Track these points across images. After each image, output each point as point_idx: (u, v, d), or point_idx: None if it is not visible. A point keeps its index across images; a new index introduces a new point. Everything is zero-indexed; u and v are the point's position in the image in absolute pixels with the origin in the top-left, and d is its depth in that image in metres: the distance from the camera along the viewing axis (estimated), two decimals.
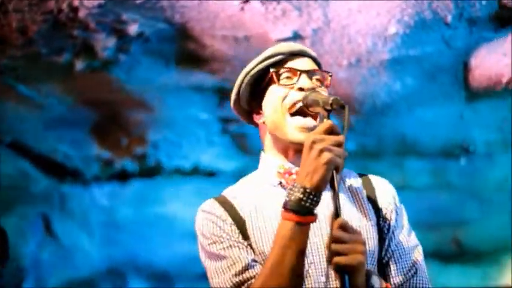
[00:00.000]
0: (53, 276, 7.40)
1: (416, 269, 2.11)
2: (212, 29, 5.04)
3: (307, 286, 1.97)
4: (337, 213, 1.84)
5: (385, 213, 2.17)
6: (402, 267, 2.10)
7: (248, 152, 6.64)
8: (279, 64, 2.17)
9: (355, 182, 2.23)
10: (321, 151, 1.82)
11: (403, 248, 2.13)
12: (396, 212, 2.19)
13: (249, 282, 1.95)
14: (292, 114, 2.10)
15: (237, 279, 1.97)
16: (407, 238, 2.16)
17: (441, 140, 6.44)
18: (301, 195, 1.82)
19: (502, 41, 5.35)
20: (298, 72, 2.14)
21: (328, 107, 1.94)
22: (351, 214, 2.07)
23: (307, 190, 1.82)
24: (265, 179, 2.18)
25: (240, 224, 2.06)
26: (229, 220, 2.06)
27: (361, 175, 2.27)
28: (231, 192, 2.19)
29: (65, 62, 5.35)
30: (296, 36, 5.04)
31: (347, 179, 2.23)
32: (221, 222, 2.06)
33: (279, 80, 2.15)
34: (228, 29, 5.03)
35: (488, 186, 7.30)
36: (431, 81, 5.79)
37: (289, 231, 1.84)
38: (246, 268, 1.98)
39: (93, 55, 5.28)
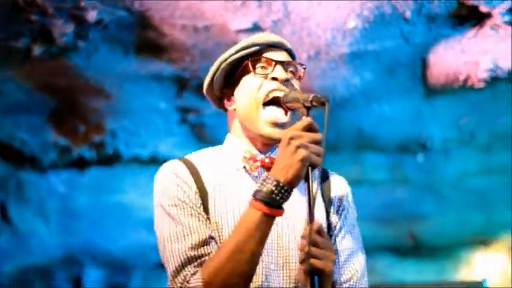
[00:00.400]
0: (8, 263, 7.34)
1: (356, 278, 2.13)
2: (172, 18, 5.02)
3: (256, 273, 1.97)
4: (311, 213, 1.85)
5: (336, 211, 2.19)
6: (341, 273, 2.12)
7: (207, 142, 6.62)
8: (255, 54, 2.17)
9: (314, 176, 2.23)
10: (298, 147, 1.83)
11: (346, 254, 2.14)
12: (346, 213, 2.21)
13: (203, 258, 1.94)
14: (266, 104, 2.11)
15: (192, 253, 1.94)
16: (351, 243, 2.18)
17: (399, 135, 6.47)
18: (274, 188, 1.83)
19: (460, 38, 5.39)
20: (274, 63, 2.15)
21: (308, 104, 1.94)
22: (303, 209, 2.02)
23: (280, 184, 1.83)
24: (230, 161, 2.18)
25: (203, 195, 2.05)
26: (195, 188, 2.04)
27: (320, 170, 2.23)
28: (196, 159, 2.15)
29: (22, 47, 5.30)
30: (255, 28, 5.04)
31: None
32: (187, 188, 2.04)
33: (254, 69, 2.16)
34: (188, 19, 5.01)
35: (444, 182, 7.37)
36: (390, 77, 5.82)
37: (256, 220, 1.85)
38: (203, 243, 1.96)
39: (51, 41, 5.23)
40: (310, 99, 1.93)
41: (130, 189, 7.17)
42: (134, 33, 5.24)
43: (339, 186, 2.26)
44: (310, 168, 1.86)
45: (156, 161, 6.88)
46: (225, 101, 2.26)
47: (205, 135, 6.55)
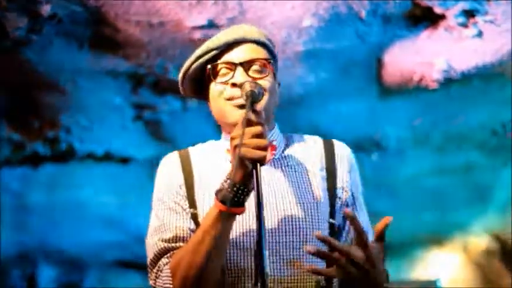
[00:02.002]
0: None
1: None
2: (126, 14, 4.98)
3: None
4: (260, 213, 1.83)
5: (342, 186, 2.21)
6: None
7: (161, 139, 6.61)
8: (216, 58, 2.18)
9: (314, 151, 2.26)
10: (235, 147, 1.86)
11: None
12: (352, 187, 2.23)
13: (175, 251, 2.06)
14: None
15: (166, 245, 2.08)
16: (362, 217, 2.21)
17: (354, 134, 6.50)
18: (228, 187, 1.90)
19: (414, 39, 5.44)
20: (234, 65, 2.14)
21: (244, 98, 1.99)
22: (294, 190, 2.13)
23: (233, 184, 1.89)
24: (220, 153, 2.24)
25: (189, 186, 2.16)
26: (182, 180, 2.17)
27: (326, 141, 2.30)
28: (194, 151, 2.29)
29: None
30: (211, 25, 5.02)
31: (305, 148, 2.27)
32: (174, 180, 2.18)
33: (215, 77, 2.17)
34: (143, 15, 4.98)
35: (399, 181, 7.43)
36: (345, 76, 5.84)
37: (213, 218, 1.94)
38: (177, 237, 2.07)
39: (3, 35, 5.14)
40: (245, 92, 1.99)
41: (85, 186, 7.13)
42: (89, 28, 5.18)
43: (341, 155, 2.26)
44: (258, 164, 1.86)
45: (110, 158, 6.84)
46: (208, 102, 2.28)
47: (160, 132, 6.53)
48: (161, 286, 2.06)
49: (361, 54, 5.61)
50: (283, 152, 2.25)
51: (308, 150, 2.26)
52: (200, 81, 2.25)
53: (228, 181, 1.91)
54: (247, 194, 1.91)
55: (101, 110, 6.23)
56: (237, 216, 1.98)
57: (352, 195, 2.23)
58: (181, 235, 2.08)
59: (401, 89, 5.98)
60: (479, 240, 8.64)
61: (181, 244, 2.07)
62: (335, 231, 2.15)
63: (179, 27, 5.06)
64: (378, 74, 5.83)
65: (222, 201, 1.90)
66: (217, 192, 1.94)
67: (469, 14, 5.13)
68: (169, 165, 2.24)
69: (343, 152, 2.27)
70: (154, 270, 2.09)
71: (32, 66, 5.58)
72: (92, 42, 5.34)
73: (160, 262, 2.08)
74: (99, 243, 7.71)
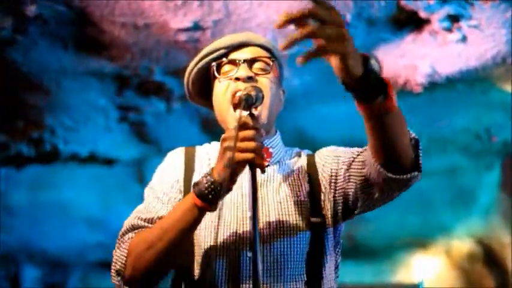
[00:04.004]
0: None
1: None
2: (112, 15, 4.98)
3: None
4: (254, 215, 1.83)
5: (324, 180, 2.19)
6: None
7: (146, 140, 6.60)
8: (221, 57, 2.20)
9: (300, 160, 2.27)
10: (225, 150, 1.88)
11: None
12: (330, 167, 2.19)
13: (142, 229, 2.10)
14: (235, 106, 2.11)
15: (137, 222, 2.12)
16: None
17: (338, 137, 6.48)
18: (207, 185, 1.91)
19: (399, 43, 5.45)
20: (238, 62, 2.16)
21: (237, 102, 2.00)
22: (287, 190, 2.15)
23: (214, 183, 1.91)
24: None
25: (188, 179, 2.19)
26: (181, 175, 2.21)
27: (309, 155, 2.29)
28: (202, 149, 2.32)
29: None
30: (196, 27, 5.03)
31: (295, 158, 2.28)
32: (173, 173, 2.22)
33: (219, 73, 2.19)
34: (128, 16, 4.98)
35: None
36: (330, 79, 5.82)
37: (185, 208, 1.96)
38: (150, 220, 2.11)
39: None
40: (238, 97, 1.98)
41: (69, 187, 7.11)
42: (74, 29, 5.17)
43: (319, 159, 2.25)
44: (251, 165, 1.88)
45: (94, 159, 6.84)
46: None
47: (145, 133, 6.53)
48: (116, 258, 2.09)
49: None
50: (278, 162, 2.26)
51: (297, 162, 2.27)
52: (204, 83, 2.27)
53: (208, 177, 1.92)
54: (223, 195, 1.94)
55: (85, 111, 6.22)
56: (230, 218, 2.04)
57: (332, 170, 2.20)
58: (153, 220, 2.11)
59: None
60: (463, 244, 8.67)
61: (148, 225, 2.11)
62: (318, 229, 2.14)
63: (164, 29, 5.06)
64: None
65: (198, 195, 1.92)
66: (195, 185, 1.95)
67: (454, 18, 5.16)
68: (172, 159, 2.28)
69: (317, 156, 2.27)
70: (119, 241, 2.12)
71: (17, 66, 5.56)
72: (76, 43, 5.33)
73: (126, 236, 2.11)
74: (82, 244, 7.68)
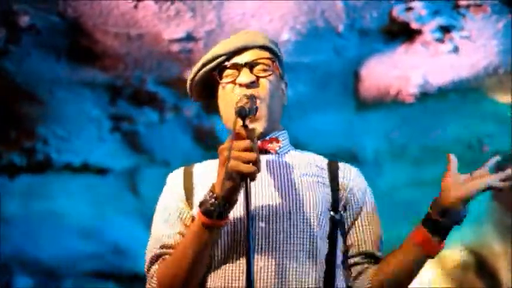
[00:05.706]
0: None
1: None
2: (105, 25, 4.99)
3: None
4: (248, 227, 1.83)
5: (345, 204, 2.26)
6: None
7: (139, 150, 6.59)
8: (222, 63, 2.20)
9: (317, 161, 2.27)
10: (225, 161, 1.85)
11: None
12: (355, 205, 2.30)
13: (164, 257, 2.10)
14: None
15: (158, 252, 2.12)
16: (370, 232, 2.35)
17: (331, 147, 6.50)
18: (211, 201, 1.90)
19: (391, 53, 5.48)
20: (239, 68, 2.16)
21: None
22: (287, 197, 2.10)
23: (217, 197, 1.89)
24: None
25: (188, 196, 2.17)
26: (182, 194, 2.18)
27: (330, 161, 2.30)
28: (199, 166, 2.28)
29: None
30: (189, 38, 5.04)
31: (309, 156, 2.28)
32: (176, 194, 2.20)
33: (221, 79, 2.19)
34: (121, 26, 4.99)
35: (375, 194, 7.44)
36: (323, 89, 5.86)
37: (196, 229, 1.96)
38: (168, 246, 2.10)
39: None
40: (235, 108, 1.96)
41: (62, 197, 7.09)
42: (67, 39, 5.19)
43: (348, 171, 2.30)
44: (247, 179, 1.85)
45: (87, 169, 6.82)
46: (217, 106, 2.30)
47: (138, 143, 6.52)
48: None
49: (338, 68, 5.64)
50: (288, 152, 2.26)
51: (310, 157, 2.27)
52: (207, 86, 2.27)
53: (211, 193, 1.90)
54: (231, 207, 1.92)
55: (78, 121, 6.22)
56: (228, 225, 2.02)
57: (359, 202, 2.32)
58: (169, 243, 2.12)
59: (378, 103, 6.01)
60: (454, 253, 8.67)
61: (171, 251, 2.10)
62: (335, 224, 2.18)
63: (157, 40, 5.07)
64: (355, 88, 5.86)
65: (204, 214, 1.91)
66: (201, 204, 1.93)
67: (445, 29, 5.19)
68: (171, 180, 2.27)
69: (349, 168, 2.32)
70: (148, 276, 2.13)
71: (10, 76, 5.56)
72: (70, 53, 5.34)
73: (152, 269, 2.12)
74: (75, 254, 7.66)
